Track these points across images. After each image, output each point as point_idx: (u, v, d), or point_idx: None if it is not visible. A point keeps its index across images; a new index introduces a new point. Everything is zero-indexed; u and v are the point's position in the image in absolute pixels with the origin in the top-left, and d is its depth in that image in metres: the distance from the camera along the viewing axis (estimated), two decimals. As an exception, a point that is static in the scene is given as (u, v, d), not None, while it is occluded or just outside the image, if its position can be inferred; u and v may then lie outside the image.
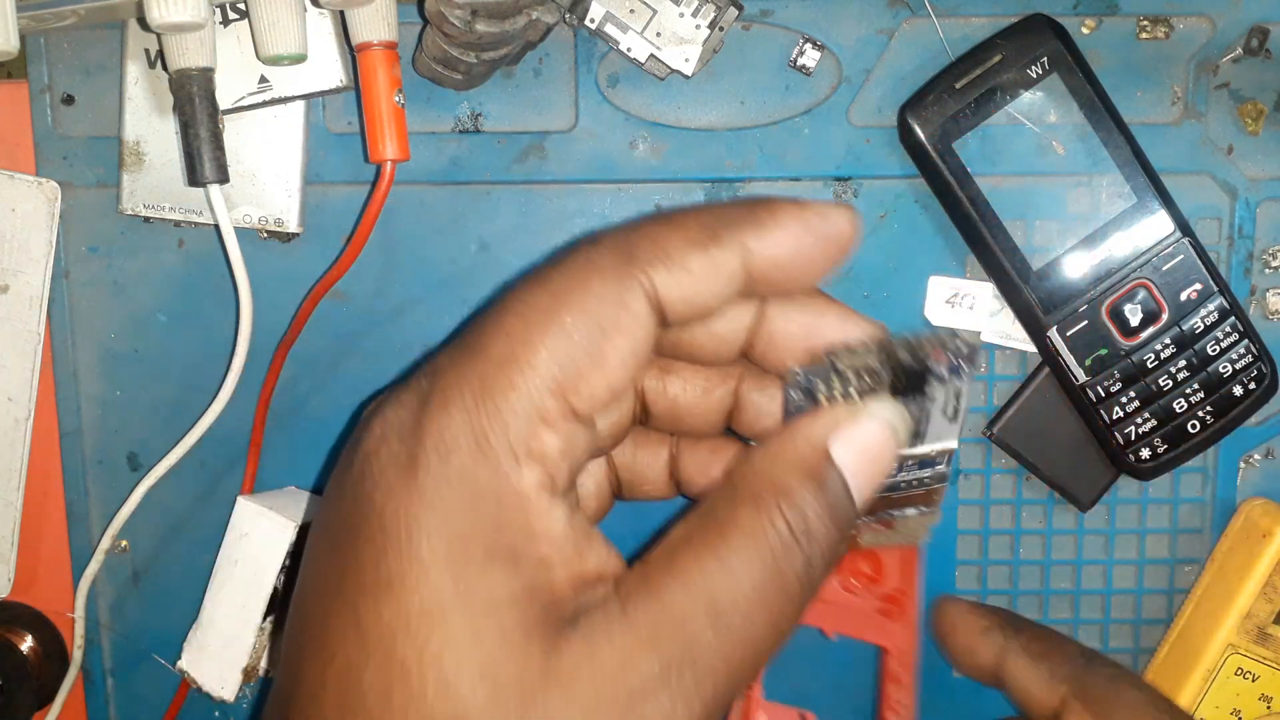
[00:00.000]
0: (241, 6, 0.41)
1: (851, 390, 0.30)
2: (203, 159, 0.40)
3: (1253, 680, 0.44)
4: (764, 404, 0.33)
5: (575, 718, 0.24)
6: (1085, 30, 0.43)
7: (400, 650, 0.25)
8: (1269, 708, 0.44)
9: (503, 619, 0.25)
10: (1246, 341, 0.42)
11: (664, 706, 0.25)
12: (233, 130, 0.43)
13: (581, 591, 0.26)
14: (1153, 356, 0.42)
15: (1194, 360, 0.42)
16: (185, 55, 0.40)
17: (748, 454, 0.29)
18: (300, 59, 0.40)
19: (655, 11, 0.41)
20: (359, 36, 0.40)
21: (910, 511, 0.34)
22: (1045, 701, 0.39)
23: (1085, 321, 0.42)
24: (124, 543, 0.47)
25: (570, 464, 0.27)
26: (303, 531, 0.44)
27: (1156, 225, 0.42)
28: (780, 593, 0.27)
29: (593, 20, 0.41)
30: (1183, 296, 0.42)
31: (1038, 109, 0.42)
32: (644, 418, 0.34)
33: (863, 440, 0.29)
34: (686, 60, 0.41)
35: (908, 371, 0.30)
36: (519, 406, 0.26)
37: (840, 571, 0.41)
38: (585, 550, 0.27)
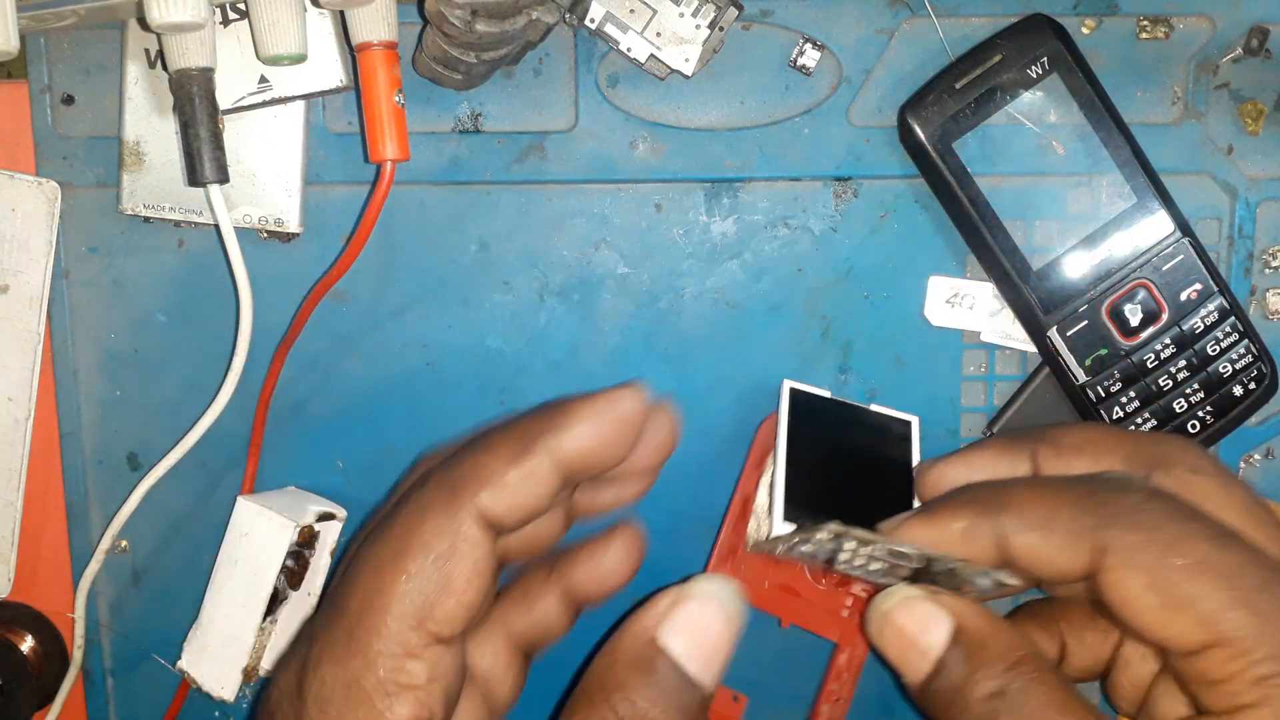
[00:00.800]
0: (241, 6, 0.41)
1: (874, 568, 0.34)
2: (203, 159, 0.40)
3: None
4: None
5: None
6: (1085, 30, 0.43)
7: None
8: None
9: None
10: (1246, 341, 0.42)
11: None
12: (233, 130, 0.43)
13: None
14: (1153, 356, 0.42)
15: (1194, 360, 0.42)
16: (185, 55, 0.40)
17: (594, 657, 0.33)
18: (300, 59, 0.40)
19: (655, 11, 0.41)
20: (359, 36, 0.40)
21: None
22: (1071, 571, 0.32)
23: (1085, 321, 0.42)
24: (124, 543, 0.47)
25: (444, 686, 0.31)
26: (301, 531, 0.44)
27: (1156, 225, 0.42)
28: None
29: (593, 20, 0.41)
30: (1183, 296, 0.42)
31: (1038, 109, 0.42)
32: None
33: (690, 622, 0.32)
34: (686, 60, 0.41)
35: (930, 578, 0.33)
36: (383, 648, 0.30)
37: (813, 570, 0.42)
38: None
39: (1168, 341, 0.42)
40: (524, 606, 0.36)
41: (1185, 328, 0.42)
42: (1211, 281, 0.42)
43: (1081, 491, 0.33)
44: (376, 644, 0.30)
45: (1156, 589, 0.31)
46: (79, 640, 0.47)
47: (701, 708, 0.32)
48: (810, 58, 0.43)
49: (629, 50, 0.41)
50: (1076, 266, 0.42)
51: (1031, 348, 0.44)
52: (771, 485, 0.40)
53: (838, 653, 0.43)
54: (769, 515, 0.40)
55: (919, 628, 0.33)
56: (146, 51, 0.43)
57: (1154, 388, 0.42)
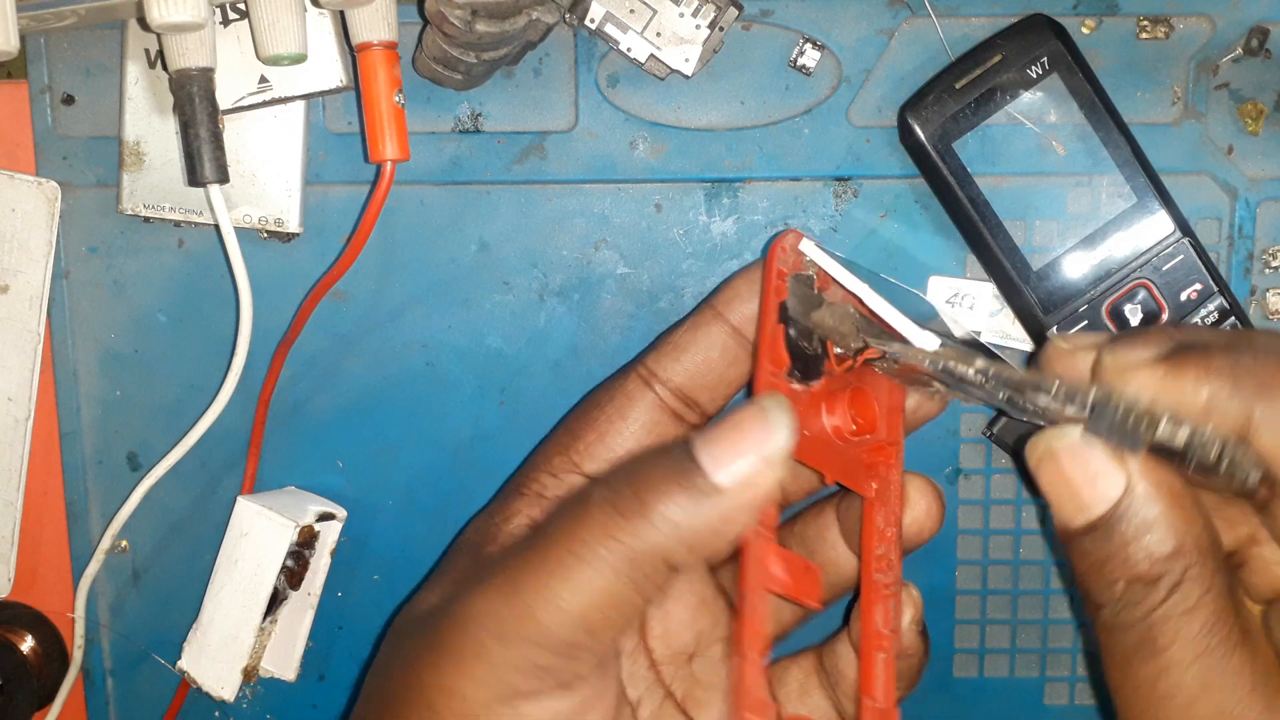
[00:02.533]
0: (241, 6, 0.41)
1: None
2: (203, 159, 0.40)
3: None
4: None
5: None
6: (1085, 30, 0.43)
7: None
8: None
9: (445, 579, 0.36)
10: (1246, 341, 0.42)
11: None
12: (233, 130, 0.43)
13: None
14: (1153, 356, 0.42)
15: (1194, 360, 0.42)
16: (185, 55, 0.40)
17: None
18: (300, 59, 0.40)
19: (655, 11, 0.41)
20: (359, 36, 0.40)
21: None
22: None
23: (1085, 321, 0.42)
24: (124, 543, 0.47)
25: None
26: (301, 531, 0.44)
27: (1156, 225, 0.42)
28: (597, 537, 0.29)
29: (593, 20, 0.41)
30: (1183, 296, 0.42)
31: (1038, 109, 0.42)
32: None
33: (723, 421, 0.30)
34: (686, 60, 0.41)
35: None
36: (536, 462, 0.36)
37: (832, 414, 0.37)
38: None
39: (1168, 341, 0.42)
40: None
41: (1185, 328, 0.42)
42: (1211, 281, 0.42)
43: None
44: (533, 460, 0.36)
45: None
46: (79, 640, 0.47)
47: (703, 501, 0.29)
48: (810, 58, 0.43)
49: (629, 50, 0.41)
50: (1076, 266, 0.42)
51: (1031, 347, 0.44)
52: (870, 307, 0.35)
53: (872, 512, 0.37)
54: (892, 330, 0.35)
55: (1084, 480, 0.29)
56: (146, 51, 0.43)
57: (1154, 388, 0.42)
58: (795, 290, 0.36)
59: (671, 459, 0.29)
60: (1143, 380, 0.29)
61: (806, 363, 0.35)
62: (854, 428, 0.37)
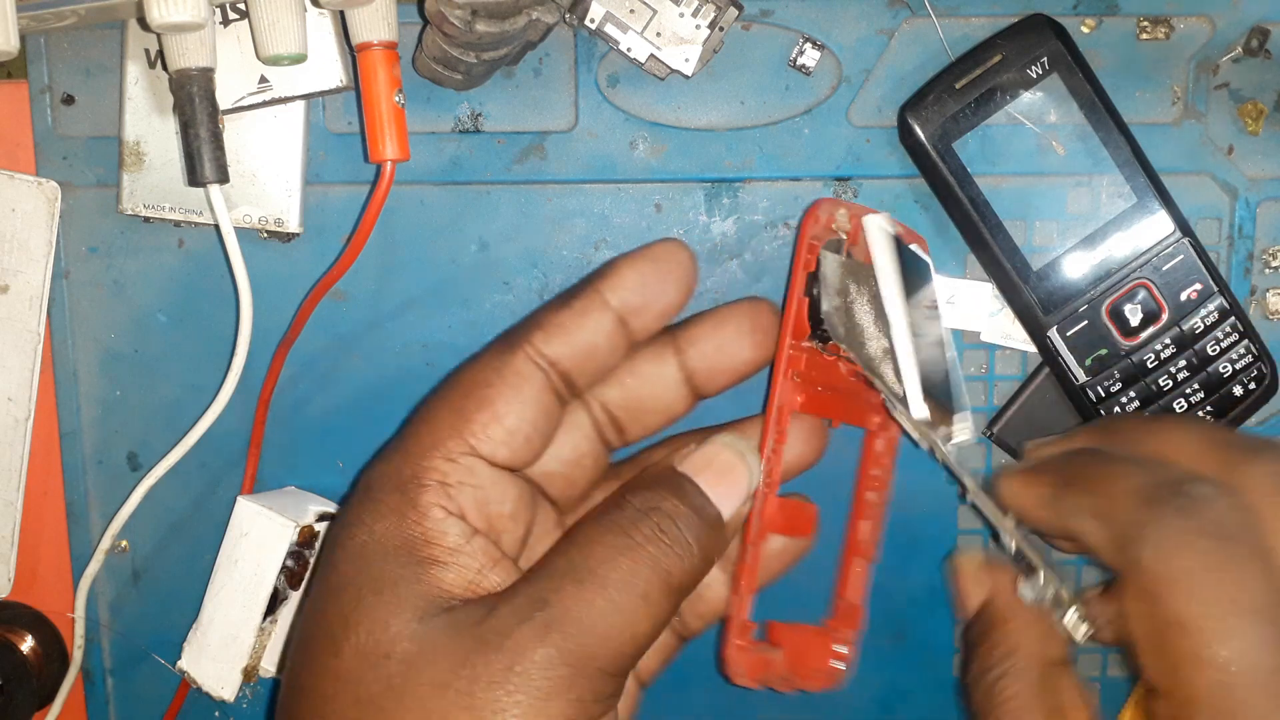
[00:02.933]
0: (241, 6, 0.41)
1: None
2: (203, 159, 0.40)
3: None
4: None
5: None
6: (1085, 30, 0.43)
7: (333, 610, 0.33)
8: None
9: (395, 591, 0.32)
10: (1246, 341, 0.42)
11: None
12: (233, 130, 0.43)
13: (475, 596, 0.32)
14: (1153, 356, 0.42)
15: (1194, 360, 0.42)
16: (185, 55, 0.40)
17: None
18: (300, 59, 0.40)
19: (655, 11, 0.41)
20: (359, 36, 0.40)
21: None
22: (1115, 565, 0.33)
23: (1085, 321, 0.42)
24: (124, 543, 0.47)
25: (476, 496, 0.34)
26: (301, 531, 0.44)
27: (1156, 225, 0.42)
28: (660, 583, 0.33)
29: (593, 20, 0.41)
30: (1183, 296, 0.42)
31: (1038, 109, 0.42)
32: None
33: (708, 458, 0.36)
34: (686, 60, 0.41)
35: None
36: (421, 447, 0.34)
37: (836, 365, 0.41)
38: (485, 568, 0.33)
39: (1168, 341, 0.42)
40: (637, 371, 0.39)
41: (1185, 328, 0.42)
42: (1211, 281, 0.42)
43: (1147, 483, 0.33)
44: (417, 445, 0.34)
45: (1153, 643, 0.32)
46: (79, 640, 0.47)
47: (718, 533, 0.35)
48: (810, 58, 0.43)
49: (629, 50, 0.41)
50: (1076, 266, 0.42)
51: (1031, 348, 0.44)
52: (894, 356, 0.40)
53: (872, 441, 0.43)
54: (899, 394, 0.40)
55: (965, 585, 0.38)
56: (146, 51, 0.43)
57: (1154, 388, 0.42)
58: (826, 264, 0.39)
59: (693, 500, 0.35)
60: (1011, 488, 0.38)
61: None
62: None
